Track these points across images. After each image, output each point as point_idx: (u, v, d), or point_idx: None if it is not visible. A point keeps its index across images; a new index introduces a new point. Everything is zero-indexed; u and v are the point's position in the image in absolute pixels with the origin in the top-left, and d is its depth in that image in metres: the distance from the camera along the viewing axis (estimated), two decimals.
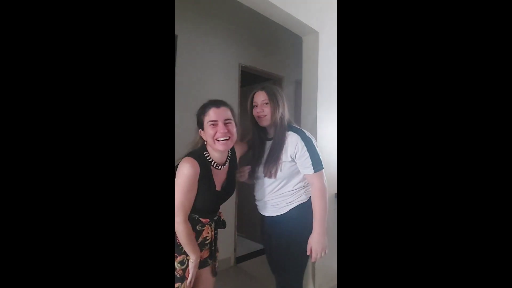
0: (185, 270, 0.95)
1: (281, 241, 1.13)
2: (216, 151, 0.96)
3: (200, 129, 0.97)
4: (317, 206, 1.07)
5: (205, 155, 0.96)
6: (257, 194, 1.21)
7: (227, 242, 2.30)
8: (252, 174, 1.18)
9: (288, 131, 1.11)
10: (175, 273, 0.94)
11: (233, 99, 2.40)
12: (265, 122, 1.11)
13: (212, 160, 0.96)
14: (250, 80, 2.86)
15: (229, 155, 1.04)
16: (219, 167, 0.98)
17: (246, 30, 2.50)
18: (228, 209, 1.31)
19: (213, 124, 0.93)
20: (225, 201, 1.06)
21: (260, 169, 1.14)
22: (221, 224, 1.10)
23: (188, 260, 0.95)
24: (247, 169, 1.16)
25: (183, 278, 0.95)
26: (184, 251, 0.95)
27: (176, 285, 0.94)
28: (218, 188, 0.98)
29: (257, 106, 1.13)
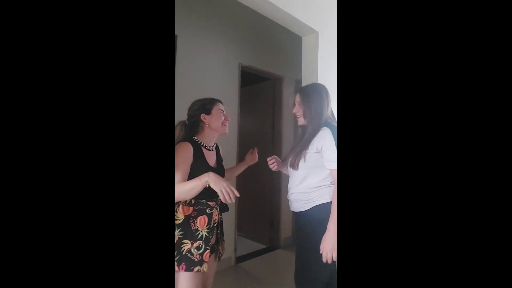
0: (202, 254, 1.04)
1: (301, 238, 1.18)
2: (216, 132, 1.19)
3: (204, 114, 1.16)
4: (335, 205, 1.04)
5: (195, 139, 1.15)
6: (288, 188, 1.24)
7: (227, 242, 2.28)
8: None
9: (323, 127, 1.12)
10: (193, 258, 1.03)
11: (233, 99, 2.40)
12: (300, 121, 1.21)
13: (202, 142, 1.16)
14: (250, 80, 2.86)
15: (215, 142, 1.26)
16: (209, 148, 1.18)
17: (246, 30, 2.50)
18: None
19: (222, 112, 1.21)
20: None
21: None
22: (224, 207, 1.23)
23: (203, 245, 1.04)
24: (272, 158, 1.28)
25: (201, 262, 1.04)
26: (200, 237, 1.05)
27: (196, 268, 1.02)
28: (211, 165, 1.17)
29: (295, 106, 1.23)
